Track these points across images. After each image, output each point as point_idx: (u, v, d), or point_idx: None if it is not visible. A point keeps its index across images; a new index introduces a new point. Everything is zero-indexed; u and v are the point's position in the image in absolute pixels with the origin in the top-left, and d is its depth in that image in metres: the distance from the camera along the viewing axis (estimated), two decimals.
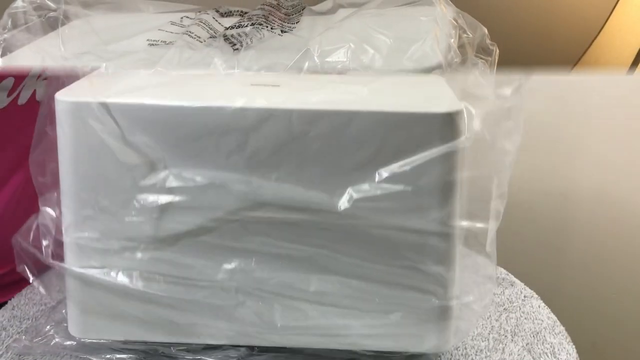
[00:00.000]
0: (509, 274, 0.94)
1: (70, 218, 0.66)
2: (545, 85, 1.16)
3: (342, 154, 0.64)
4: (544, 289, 1.02)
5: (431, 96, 0.71)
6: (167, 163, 0.64)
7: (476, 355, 0.75)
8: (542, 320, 0.82)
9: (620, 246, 1.23)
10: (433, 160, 0.64)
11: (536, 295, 0.88)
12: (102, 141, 0.63)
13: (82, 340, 0.71)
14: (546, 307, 0.86)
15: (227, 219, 0.65)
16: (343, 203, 0.64)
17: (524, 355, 0.75)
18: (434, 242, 0.66)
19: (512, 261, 1.18)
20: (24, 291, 0.85)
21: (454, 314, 0.70)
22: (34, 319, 0.78)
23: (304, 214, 0.65)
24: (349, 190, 0.64)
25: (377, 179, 0.63)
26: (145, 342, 0.70)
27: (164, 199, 0.64)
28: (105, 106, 0.63)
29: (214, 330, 0.69)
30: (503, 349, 0.76)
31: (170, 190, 0.64)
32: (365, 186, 0.64)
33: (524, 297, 0.88)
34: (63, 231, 0.67)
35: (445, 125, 0.63)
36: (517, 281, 0.92)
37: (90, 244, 0.66)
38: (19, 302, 0.82)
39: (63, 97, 0.64)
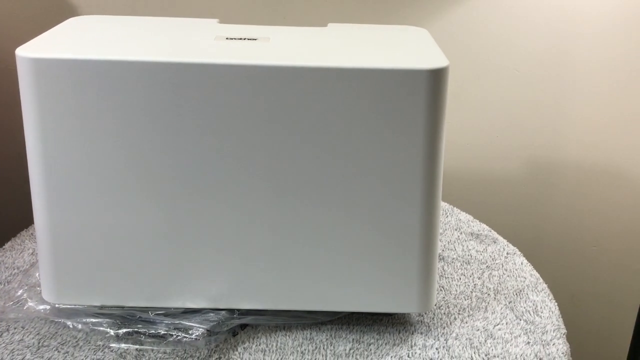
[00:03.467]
0: (492, 230, 0.93)
1: (38, 177, 0.64)
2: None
3: (319, 112, 0.61)
4: (525, 242, 1.02)
5: (415, 50, 0.68)
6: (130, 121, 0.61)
7: (459, 314, 0.74)
8: (525, 278, 0.81)
9: (601, 199, 1.23)
10: (418, 118, 0.62)
11: (519, 252, 0.88)
12: (66, 99, 0.60)
13: (57, 305, 0.69)
14: (529, 264, 0.85)
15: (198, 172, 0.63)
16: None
17: (507, 314, 0.75)
18: (417, 200, 0.65)
19: (494, 216, 1.17)
20: None
21: (437, 272, 0.69)
22: (5, 283, 0.76)
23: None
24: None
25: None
26: (122, 307, 0.68)
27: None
28: (67, 62, 0.60)
29: (193, 294, 0.68)
30: (486, 307, 0.76)
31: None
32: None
33: (507, 254, 0.87)
34: (31, 190, 0.65)
35: (431, 82, 0.61)
36: (500, 238, 0.91)
37: (62, 200, 0.64)
38: None
39: (23, 52, 0.60)
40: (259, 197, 0.64)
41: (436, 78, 0.61)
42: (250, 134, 0.62)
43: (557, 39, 1.13)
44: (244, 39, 0.68)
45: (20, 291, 0.72)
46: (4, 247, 0.85)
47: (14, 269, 0.79)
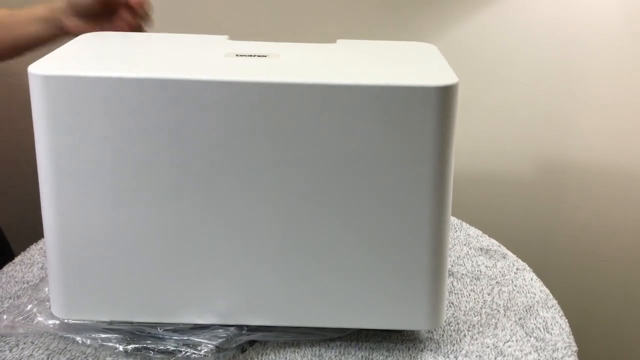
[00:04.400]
0: (501, 245, 0.93)
1: (49, 193, 0.64)
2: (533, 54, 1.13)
3: (329, 129, 0.61)
4: (535, 257, 1.01)
5: (425, 67, 0.68)
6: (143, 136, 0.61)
7: (468, 330, 0.74)
8: (535, 294, 0.81)
9: (610, 214, 1.23)
10: (428, 134, 0.62)
11: (528, 268, 0.87)
12: (78, 116, 0.61)
13: (66, 320, 0.69)
14: (538, 279, 0.85)
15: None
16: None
17: (517, 330, 0.74)
18: (427, 217, 0.64)
19: (503, 231, 1.17)
20: (5, 268, 0.83)
21: (446, 288, 0.69)
22: (15, 297, 0.76)
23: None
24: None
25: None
26: (132, 323, 0.68)
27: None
28: (79, 80, 0.60)
29: (202, 310, 0.67)
30: (495, 324, 0.75)
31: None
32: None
33: (517, 269, 0.86)
34: (41, 204, 0.65)
35: (441, 99, 0.61)
36: (510, 253, 0.90)
37: (72, 215, 0.64)
38: None
39: (36, 70, 0.61)
40: (268, 213, 0.64)
41: (446, 95, 0.61)
42: (260, 151, 0.62)
43: (563, 50, 1.13)
44: (254, 55, 0.68)
45: (30, 306, 0.72)
46: (13, 261, 0.85)
47: (24, 283, 0.80)
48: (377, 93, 0.60)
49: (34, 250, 0.87)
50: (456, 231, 0.96)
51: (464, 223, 0.98)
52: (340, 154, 0.62)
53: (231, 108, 0.61)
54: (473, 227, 0.97)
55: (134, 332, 0.67)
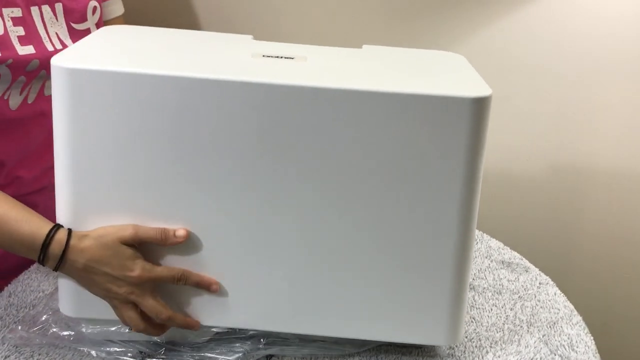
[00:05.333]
0: (523, 258, 0.91)
1: (65, 185, 0.63)
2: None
3: (358, 136, 0.59)
4: (555, 270, 0.99)
5: (457, 77, 0.66)
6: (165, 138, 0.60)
7: (491, 347, 0.72)
8: (559, 310, 0.79)
9: (632, 226, 1.20)
10: (459, 146, 0.60)
11: (552, 282, 0.85)
12: (99, 110, 0.59)
13: (80, 330, 0.68)
14: (562, 294, 0.82)
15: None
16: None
17: (541, 348, 0.72)
18: (452, 230, 0.63)
19: (524, 241, 1.14)
20: (21, 277, 0.82)
21: (467, 304, 0.67)
22: (30, 307, 0.76)
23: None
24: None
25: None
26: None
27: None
28: (103, 74, 0.58)
29: (219, 314, 0.65)
30: (519, 340, 0.73)
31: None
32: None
33: (539, 284, 0.84)
34: (56, 198, 0.64)
35: (475, 110, 0.59)
36: (532, 266, 0.88)
37: (88, 209, 0.63)
38: (15, 289, 0.79)
39: (59, 62, 0.59)
40: (291, 221, 0.63)
41: (480, 106, 0.59)
42: (286, 156, 0.60)
43: (582, 61, 1.11)
44: (281, 57, 0.66)
45: (45, 316, 0.71)
46: (29, 269, 0.84)
47: (39, 292, 0.79)
48: (410, 102, 0.58)
49: None
50: (477, 243, 0.94)
51: (485, 235, 0.96)
52: (368, 163, 0.60)
53: (259, 110, 0.59)
54: (494, 240, 0.95)
55: (150, 347, 0.66)
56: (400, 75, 0.65)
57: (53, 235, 0.62)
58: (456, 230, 0.62)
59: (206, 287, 0.64)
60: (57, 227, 0.62)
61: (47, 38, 0.79)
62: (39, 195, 0.86)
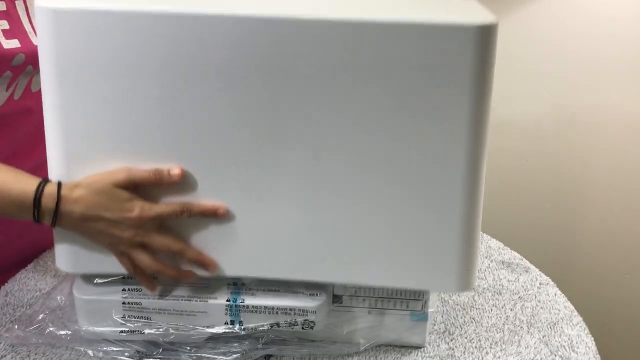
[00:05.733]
0: (523, 258, 0.90)
1: (55, 138, 0.61)
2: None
3: (359, 69, 0.56)
4: (557, 268, 0.99)
5: (462, 7, 0.61)
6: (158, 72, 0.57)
7: (490, 348, 0.72)
8: (559, 310, 0.78)
9: (632, 226, 1.20)
10: (466, 77, 0.56)
11: (552, 282, 0.84)
12: (85, 50, 0.57)
13: (77, 329, 0.68)
14: (562, 295, 0.82)
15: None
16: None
17: (541, 348, 0.72)
18: (461, 166, 0.59)
19: (524, 241, 1.14)
20: (18, 275, 0.82)
21: (479, 250, 0.63)
22: (27, 306, 0.75)
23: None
24: None
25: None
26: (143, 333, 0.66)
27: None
28: (88, 14, 0.56)
29: (227, 262, 0.63)
30: (519, 341, 0.73)
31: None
32: None
33: (540, 284, 0.84)
34: (46, 143, 0.62)
35: (481, 39, 0.55)
36: (532, 267, 0.88)
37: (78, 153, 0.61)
38: (12, 287, 0.79)
39: (43, 3, 0.57)
40: (292, 159, 0.60)
41: (485, 35, 0.55)
42: (284, 90, 0.58)
43: (582, 62, 1.10)
44: None
45: (42, 315, 0.71)
46: (26, 268, 0.84)
47: (36, 291, 0.78)
48: (412, 31, 0.55)
49: (47, 257, 0.86)
50: None
51: (484, 235, 0.95)
52: (372, 97, 0.57)
53: (249, 44, 0.56)
54: (494, 240, 0.94)
55: (148, 346, 0.66)
56: (402, 4, 0.61)
57: (43, 189, 0.60)
58: (465, 166, 0.59)
59: (212, 213, 0.61)
60: (46, 181, 0.61)
61: (32, 32, 0.78)
62: None
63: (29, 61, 0.77)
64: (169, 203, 0.62)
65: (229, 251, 0.63)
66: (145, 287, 0.65)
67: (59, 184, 0.60)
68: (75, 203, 0.60)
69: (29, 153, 0.83)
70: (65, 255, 0.65)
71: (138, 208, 0.60)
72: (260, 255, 0.64)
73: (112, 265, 0.64)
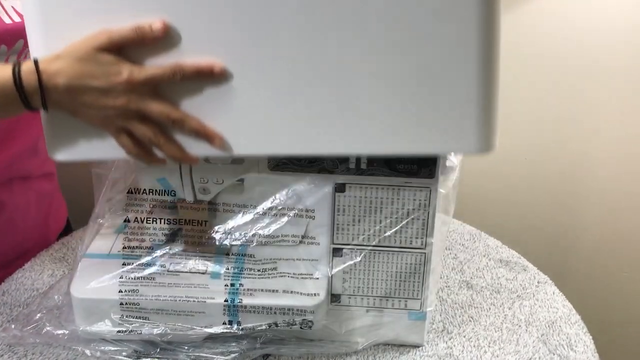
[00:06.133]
0: (521, 257, 0.90)
1: (33, 12, 0.57)
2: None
3: None
4: (555, 267, 0.99)
5: None
6: None
7: (489, 346, 0.71)
8: (557, 309, 0.78)
9: (630, 224, 1.20)
10: None
11: (550, 281, 0.84)
12: None
13: (74, 329, 0.67)
14: (561, 293, 0.82)
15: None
16: None
17: (539, 347, 0.71)
18: (476, 23, 0.55)
19: (522, 240, 1.14)
20: (15, 275, 0.81)
21: (498, 108, 0.57)
22: (24, 306, 0.75)
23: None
24: None
25: None
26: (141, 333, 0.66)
27: None
28: None
29: (237, 139, 0.58)
30: (517, 340, 0.73)
31: None
32: None
33: (538, 282, 0.84)
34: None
35: None
36: (530, 265, 0.88)
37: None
38: (9, 287, 0.78)
39: None
40: (304, 30, 0.55)
41: None
42: None
43: (582, 62, 1.10)
44: None
45: (39, 315, 0.70)
46: (23, 267, 0.83)
47: (33, 291, 0.78)
48: None
49: (44, 256, 0.86)
50: (475, 242, 0.93)
51: (482, 233, 0.95)
52: None
53: None
54: (492, 238, 0.94)
55: (145, 346, 0.66)
56: None
57: (20, 69, 0.56)
58: (480, 21, 0.55)
59: (208, 71, 0.56)
60: (20, 62, 0.56)
61: (2, 11, 0.75)
62: (3, 190, 0.82)
63: (1, 41, 0.73)
64: (160, 66, 0.57)
65: (232, 126, 0.58)
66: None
67: (35, 60, 0.56)
68: (57, 75, 0.55)
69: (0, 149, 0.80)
70: (58, 141, 0.60)
71: (126, 71, 0.55)
72: (266, 128, 0.58)
73: (109, 149, 0.60)
